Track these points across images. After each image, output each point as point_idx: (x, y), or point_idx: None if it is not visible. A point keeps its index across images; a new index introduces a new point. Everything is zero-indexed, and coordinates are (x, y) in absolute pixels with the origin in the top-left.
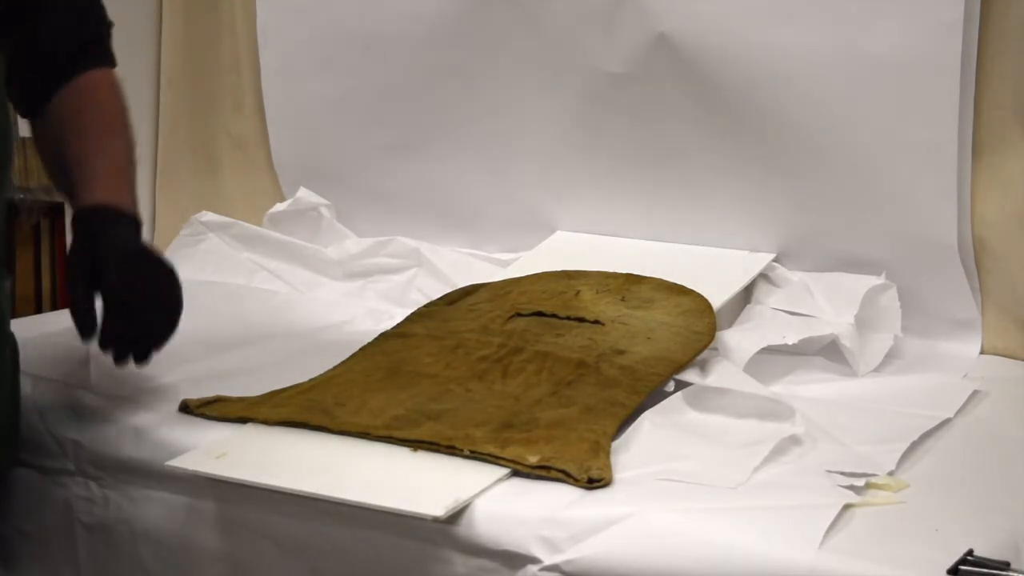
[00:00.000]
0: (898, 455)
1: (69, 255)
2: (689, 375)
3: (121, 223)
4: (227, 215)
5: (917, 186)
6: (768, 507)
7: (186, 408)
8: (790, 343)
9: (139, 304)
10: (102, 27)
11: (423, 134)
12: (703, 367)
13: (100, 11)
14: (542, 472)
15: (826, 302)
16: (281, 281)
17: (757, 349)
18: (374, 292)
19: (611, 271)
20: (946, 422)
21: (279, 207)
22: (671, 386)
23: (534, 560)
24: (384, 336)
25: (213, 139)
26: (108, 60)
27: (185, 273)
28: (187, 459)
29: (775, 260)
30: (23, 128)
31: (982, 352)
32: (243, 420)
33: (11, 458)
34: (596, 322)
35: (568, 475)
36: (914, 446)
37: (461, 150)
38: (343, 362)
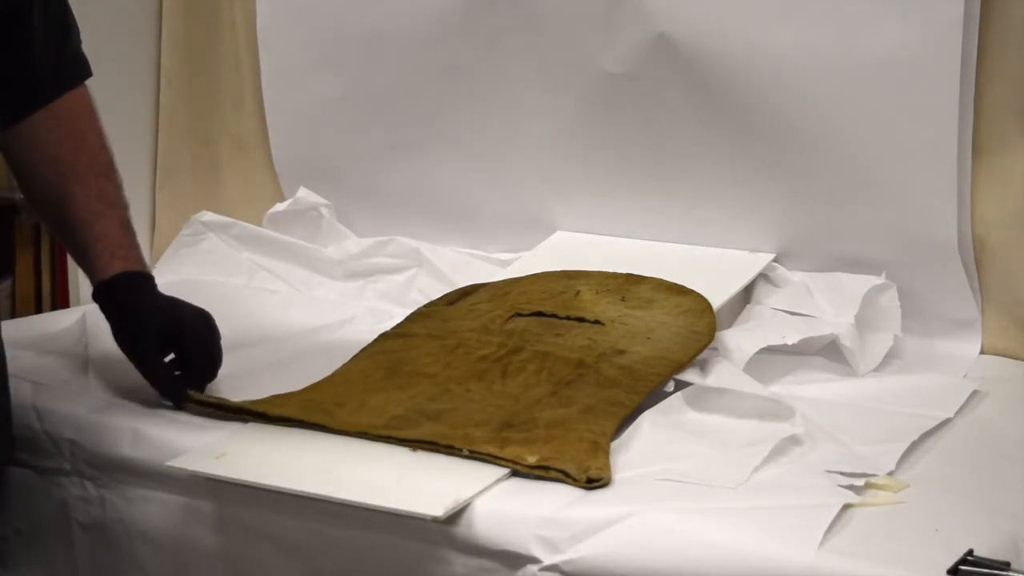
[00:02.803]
0: (898, 455)
1: (138, 331)
2: (689, 375)
3: (151, 284)
4: (227, 215)
5: (917, 186)
6: (768, 507)
7: (187, 398)
8: (790, 343)
9: (216, 351)
10: (77, 37)
11: (423, 134)
12: (703, 367)
13: (74, 20)
14: (541, 472)
15: (826, 302)
16: (281, 281)
17: (757, 349)
18: (374, 292)
19: (611, 271)
20: (946, 422)
21: (279, 207)
22: (671, 386)
23: (534, 560)
24: (384, 336)
25: (213, 139)
26: (86, 71)
27: (185, 273)
28: (187, 459)
29: (775, 260)
30: None
31: (982, 352)
32: (243, 419)
33: (6, 456)
34: (596, 322)
35: (567, 475)
36: (914, 446)
37: (461, 150)
38: (343, 364)
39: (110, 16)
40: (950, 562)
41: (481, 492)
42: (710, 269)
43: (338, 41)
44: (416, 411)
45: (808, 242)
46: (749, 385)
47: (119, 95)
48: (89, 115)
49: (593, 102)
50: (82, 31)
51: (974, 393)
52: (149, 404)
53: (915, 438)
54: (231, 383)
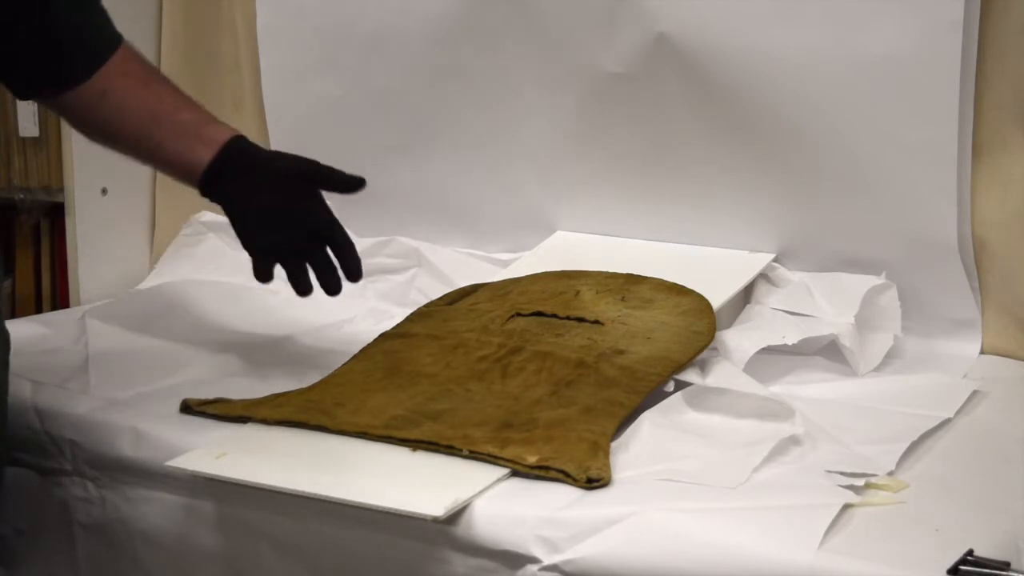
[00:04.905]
0: (898, 455)
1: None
2: (689, 375)
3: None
4: None
5: (917, 186)
6: (768, 507)
7: (187, 408)
8: (790, 343)
9: None
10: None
11: (423, 134)
12: (703, 367)
13: None
14: (541, 472)
15: (826, 302)
16: (281, 281)
17: (757, 349)
18: (374, 292)
19: (611, 271)
20: (946, 422)
21: None
22: (671, 386)
23: (533, 560)
24: (384, 336)
25: None
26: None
27: (185, 273)
28: (187, 459)
29: (775, 260)
30: (25, 128)
31: (982, 352)
32: (243, 419)
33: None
34: (596, 322)
35: (567, 475)
36: (914, 446)
37: (461, 150)
38: (343, 364)
39: (111, 17)
40: (950, 562)
41: (481, 492)
42: (710, 269)
43: (338, 41)
44: (416, 411)
45: (808, 242)
46: (749, 385)
47: None
48: (143, 67)
49: (593, 102)
50: None
51: (974, 393)
52: (150, 404)
53: (915, 438)
54: (231, 383)
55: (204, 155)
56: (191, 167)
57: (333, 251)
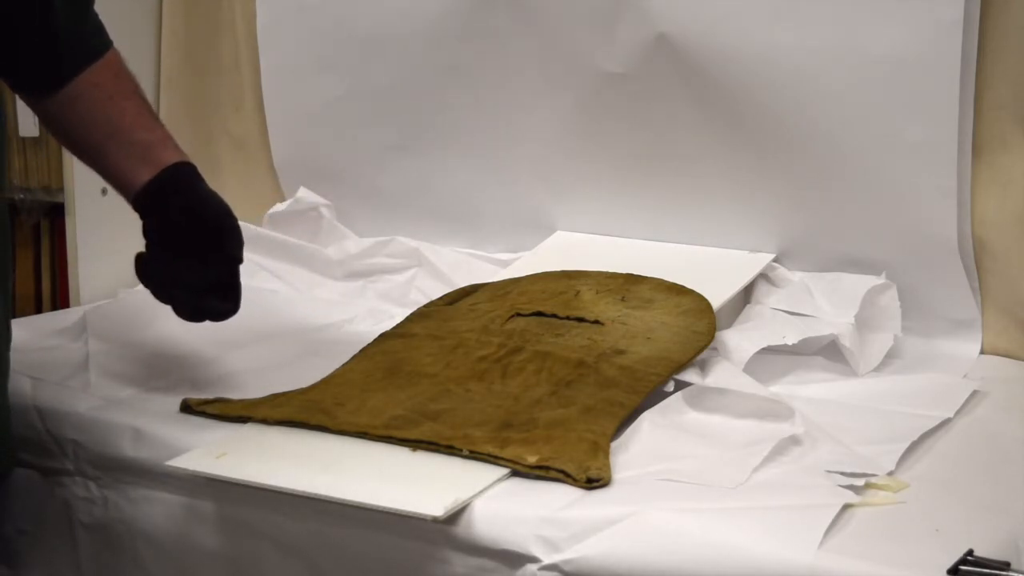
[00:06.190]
0: (898, 455)
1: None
2: (689, 375)
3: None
4: None
5: (917, 186)
6: (768, 507)
7: (187, 407)
8: (790, 343)
9: None
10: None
11: (423, 134)
12: (703, 367)
13: None
14: (541, 472)
15: (826, 302)
16: (281, 281)
17: (757, 349)
18: (374, 292)
19: (611, 271)
20: (946, 422)
21: (279, 207)
22: (671, 386)
23: (533, 559)
24: (384, 336)
25: (213, 139)
26: (108, 40)
27: None
28: (187, 459)
29: (775, 260)
30: (25, 128)
31: (982, 352)
32: (243, 419)
33: (10, 459)
34: (596, 322)
35: (567, 475)
36: (914, 446)
37: (461, 150)
38: (343, 364)
39: (110, 16)
40: (950, 562)
41: (481, 492)
42: (710, 269)
43: (338, 41)
44: (416, 411)
45: (808, 242)
46: (749, 385)
47: None
48: (123, 67)
49: (593, 102)
50: None
51: (974, 393)
52: (151, 404)
53: (915, 438)
54: (232, 382)
55: (144, 175)
56: (130, 186)
57: (216, 307)
